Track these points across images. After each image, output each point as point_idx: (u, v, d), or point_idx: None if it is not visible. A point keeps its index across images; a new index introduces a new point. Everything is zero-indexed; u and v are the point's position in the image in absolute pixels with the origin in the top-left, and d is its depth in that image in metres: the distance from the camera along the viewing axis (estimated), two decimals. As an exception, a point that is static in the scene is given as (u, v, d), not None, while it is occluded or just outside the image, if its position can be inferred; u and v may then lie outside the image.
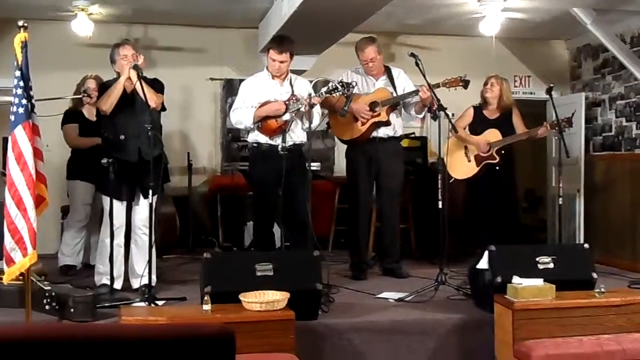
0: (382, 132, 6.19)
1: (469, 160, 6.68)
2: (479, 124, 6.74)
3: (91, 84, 6.32)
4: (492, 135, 6.63)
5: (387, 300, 5.29)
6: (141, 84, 5.07)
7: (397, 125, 6.27)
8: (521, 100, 8.60)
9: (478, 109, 6.82)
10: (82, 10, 7.13)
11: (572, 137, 7.64)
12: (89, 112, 6.36)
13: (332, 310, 4.84)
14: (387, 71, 6.33)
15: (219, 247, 7.87)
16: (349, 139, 6.28)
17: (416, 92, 5.93)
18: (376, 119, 6.12)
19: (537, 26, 8.09)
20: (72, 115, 6.43)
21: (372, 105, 6.10)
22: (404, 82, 6.25)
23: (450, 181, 6.52)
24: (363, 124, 6.13)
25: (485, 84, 6.72)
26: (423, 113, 6.37)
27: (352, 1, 5.92)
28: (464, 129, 6.73)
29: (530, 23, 7.94)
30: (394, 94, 6.19)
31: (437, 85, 5.94)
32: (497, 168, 6.59)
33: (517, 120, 6.71)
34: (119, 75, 5.40)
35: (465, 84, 6.12)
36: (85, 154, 6.21)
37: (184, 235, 7.70)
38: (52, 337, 1.97)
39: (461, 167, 6.70)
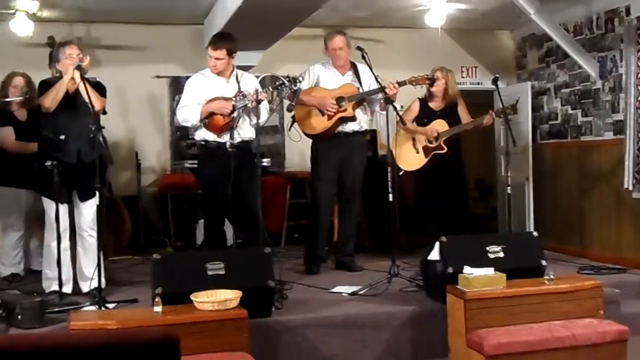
0: (349, 127, 6.20)
1: (417, 152, 6.74)
2: (425, 116, 6.82)
3: (19, 82, 6.07)
4: (439, 125, 6.71)
5: (341, 294, 5.29)
6: (85, 85, 4.98)
7: (362, 121, 6.28)
8: (468, 90, 8.69)
9: (424, 101, 6.89)
10: (22, 10, 6.95)
11: (519, 126, 7.74)
12: (20, 113, 6.09)
13: (286, 307, 4.83)
14: (354, 67, 6.32)
15: (171, 247, 7.80)
16: (314, 133, 6.26)
17: (383, 88, 5.89)
18: (342, 114, 6.12)
19: (482, 17, 8.17)
20: (4, 117, 6.07)
21: (339, 100, 6.09)
22: (370, 79, 6.23)
23: (400, 173, 6.55)
24: (329, 118, 6.12)
25: None
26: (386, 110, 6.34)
27: (297, -5, 5.90)
28: (412, 122, 6.76)
29: (475, 14, 8.01)
30: (361, 90, 6.19)
31: (404, 83, 5.98)
32: (445, 158, 6.65)
33: (462, 110, 6.82)
34: (61, 75, 5.28)
35: (432, 81, 6.23)
36: (14, 158, 5.91)
37: (134, 236, 7.61)
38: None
39: (410, 159, 6.75)
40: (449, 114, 6.77)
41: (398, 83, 5.91)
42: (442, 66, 6.86)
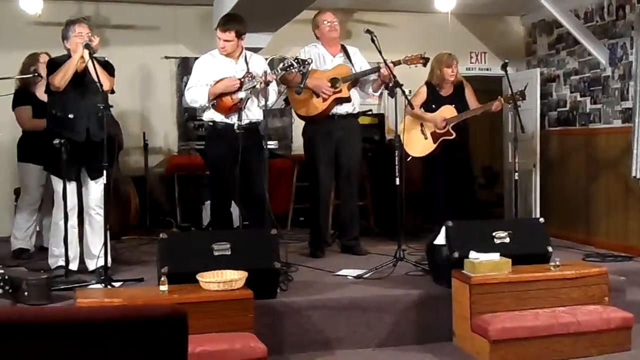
0: (343, 109, 6.16)
1: (426, 138, 6.73)
2: (433, 102, 6.79)
3: (43, 59, 6.13)
4: (447, 111, 6.69)
5: (346, 277, 5.30)
6: (94, 64, 4.97)
7: (355, 102, 6.26)
8: (477, 76, 8.67)
9: (431, 87, 6.86)
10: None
11: (527, 112, 7.70)
12: (40, 92, 6.16)
13: (291, 289, 4.84)
14: (344, 49, 6.31)
15: (177, 227, 7.81)
16: (307, 116, 6.24)
17: (377, 69, 5.90)
18: (337, 95, 6.10)
19: (492, 2, 8.13)
20: (24, 96, 6.19)
21: (333, 82, 6.07)
22: (360, 61, 6.25)
23: (408, 159, 6.55)
24: (324, 100, 6.08)
25: (448, 65, 6.74)
26: (380, 91, 6.38)
27: (307, -23, 5.88)
28: (419, 107, 6.74)
29: (485, -1, 7.97)
30: (353, 71, 6.18)
31: (398, 62, 5.98)
32: (453, 144, 6.64)
33: (470, 96, 6.80)
34: (69, 53, 5.28)
35: (425, 61, 6.21)
36: (36, 135, 5.96)
37: (141, 216, 7.62)
38: (4, 321, 1.93)
39: (418, 145, 6.74)
40: (457, 99, 6.75)
41: (393, 62, 5.88)
42: (449, 52, 6.83)
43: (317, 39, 6.31)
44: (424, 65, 6.24)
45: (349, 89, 6.13)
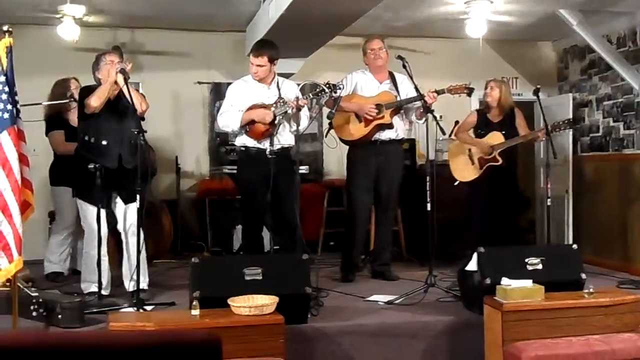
0: (386, 135, 6.19)
1: (473, 163, 6.66)
2: (482, 127, 6.74)
3: (73, 85, 6.23)
4: (494, 138, 6.61)
5: (377, 302, 5.28)
6: (128, 88, 5.04)
7: (399, 128, 6.28)
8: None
9: (482, 112, 6.83)
10: (69, 15, 7.08)
11: (560, 138, 7.67)
12: (73, 117, 6.21)
13: (322, 314, 4.83)
14: (391, 76, 6.34)
15: (208, 252, 7.85)
16: (351, 140, 6.26)
17: (421, 96, 5.86)
18: (380, 121, 6.12)
19: (523, 28, 8.11)
20: (57, 122, 6.28)
21: (377, 107, 6.09)
22: (407, 88, 6.22)
23: (455, 184, 6.54)
24: (367, 124, 6.12)
25: (485, 87, 6.74)
26: (423, 119, 6.16)
27: (339, 5, 5.91)
28: (468, 132, 6.74)
29: (516, 25, 7.96)
30: (398, 98, 6.20)
31: (442, 92, 5.98)
32: (499, 170, 6.58)
33: (520, 123, 6.70)
34: (100, 83, 5.33)
35: (470, 91, 6.16)
36: (69, 159, 6.01)
37: (173, 240, 7.67)
38: (39, 345, 1.95)
39: (465, 170, 6.69)
40: (507, 125, 6.66)
41: (436, 92, 5.90)
42: (494, 77, 6.83)
43: (366, 65, 6.35)
44: (469, 95, 6.22)
45: (391, 116, 6.15)
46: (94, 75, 5.42)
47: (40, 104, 6.23)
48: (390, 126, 6.18)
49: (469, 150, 6.71)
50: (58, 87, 6.34)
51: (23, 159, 4.17)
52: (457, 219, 6.99)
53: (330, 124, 6.18)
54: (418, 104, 6.05)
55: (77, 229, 6.33)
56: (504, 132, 6.62)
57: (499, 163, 6.57)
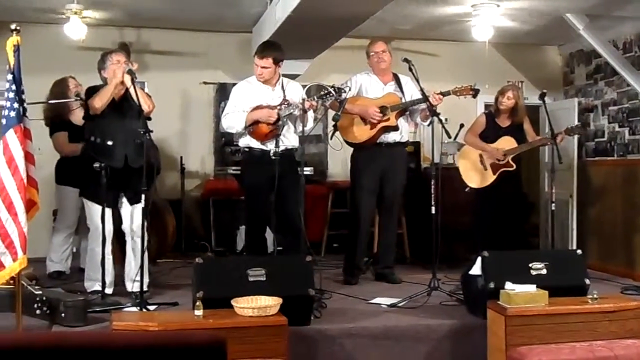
0: (391, 137, 6.19)
1: (486, 169, 6.59)
2: (491, 132, 6.67)
3: (72, 84, 6.23)
4: (507, 142, 6.55)
5: (380, 305, 5.28)
6: (135, 88, 5.04)
7: (404, 131, 6.28)
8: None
9: (490, 117, 6.77)
10: (75, 13, 7.09)
11: (564, 142, 7.63)
12: (77, 118, 6.17)
13: (325, 316, 4.83)
14: (396, 78, 6.33)
15: (212, 252, 7.85)
16: (356, 142, 6.26)
17: (426, 98, 5.81)
18: (385, 124, 6.12)
19: (530, 32, 8.11)
20: (59, 123, 6.27)
21: (382, 109, 6.09)
22: (412, 90, 6.21)
23: (466, 190, 6.50)
24: (372, 127, 6.11)
25: (501, 94, 6.64)
26: (428, 121, 6.10)
27: (346, 7, 5.91)
28: (477, 136, 6.69)
29: (523, 28, 7.96)
30: (403, 100, 6.19)
31: (447, 93, 5.95)
32: (508, 176, 6.53)
33: (528, 128, 6.65)
34: (106, 82, 5.34)
35: (475, 92, 6.10)
36: (74, 160, 6.01)
37: (176, 239, 7.68)
38: (42, 344, 1.95)
39: (477, 176, 6.62)
40: (515, 130, 6.60)
41: (442, 93, 5.88)
42: (512, 83, 6.77)
43: (370, 67, 6.34)
44: (474, 96, 6.16)
45: (396, 118, 6.15)
46: (100, 74, 5.43)
47: (47, 102, 6.24)
48: (395, 128, 6.17)
49: (480, 155, 6.64)
50: (56, 87, 6.34)
51: (29, 157, 4.18)
52: (462, 223, 6.96)
53: (335, 125, 6.17)
54: (423, 105, 6.03)
55: (80, 228, 6.34)
56: (513, 137, 6.57)
57: (512, 169, 6.52)
